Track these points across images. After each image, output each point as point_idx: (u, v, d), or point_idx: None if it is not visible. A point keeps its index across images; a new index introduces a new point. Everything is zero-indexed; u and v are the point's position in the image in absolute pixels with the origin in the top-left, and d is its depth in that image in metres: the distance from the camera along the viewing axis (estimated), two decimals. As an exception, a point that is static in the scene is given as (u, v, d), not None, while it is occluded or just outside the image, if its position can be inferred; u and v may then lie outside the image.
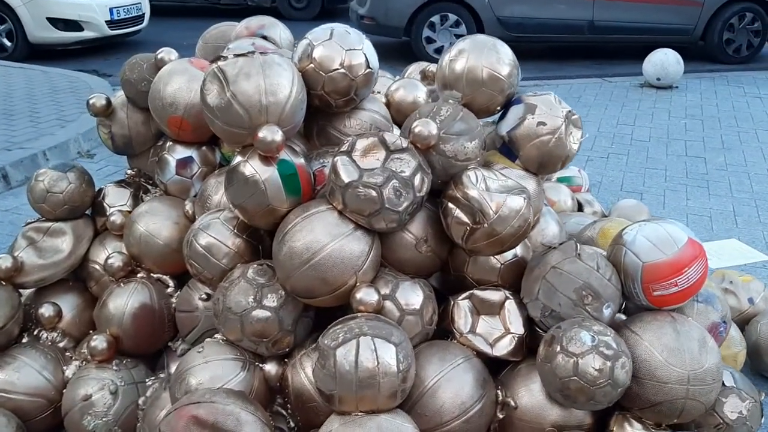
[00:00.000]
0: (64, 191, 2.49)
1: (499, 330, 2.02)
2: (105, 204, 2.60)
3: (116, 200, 2.61)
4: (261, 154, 1.95)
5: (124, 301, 2.32)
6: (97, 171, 4.87)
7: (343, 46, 2.08)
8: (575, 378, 1.74)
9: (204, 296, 2.27)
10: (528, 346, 2.02)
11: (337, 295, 1.91)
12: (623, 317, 2.07)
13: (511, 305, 2.03)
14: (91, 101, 2.57)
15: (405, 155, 1.89)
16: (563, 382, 1.76)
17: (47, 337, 2.44)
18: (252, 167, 1.94)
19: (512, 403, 1.93)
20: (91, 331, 2.52)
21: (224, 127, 1.96)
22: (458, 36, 8.38)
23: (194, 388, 1.92)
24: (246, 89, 1.90)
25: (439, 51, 8.17)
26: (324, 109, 2.19)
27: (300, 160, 2.01)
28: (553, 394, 1.84)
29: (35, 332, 2.46)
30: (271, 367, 2.03)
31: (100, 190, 2.65)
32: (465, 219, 1.93)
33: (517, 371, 1.99)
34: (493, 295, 2.04)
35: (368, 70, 2.12)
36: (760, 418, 2.05)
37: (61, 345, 2.45)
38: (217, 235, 2.11)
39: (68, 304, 2.52)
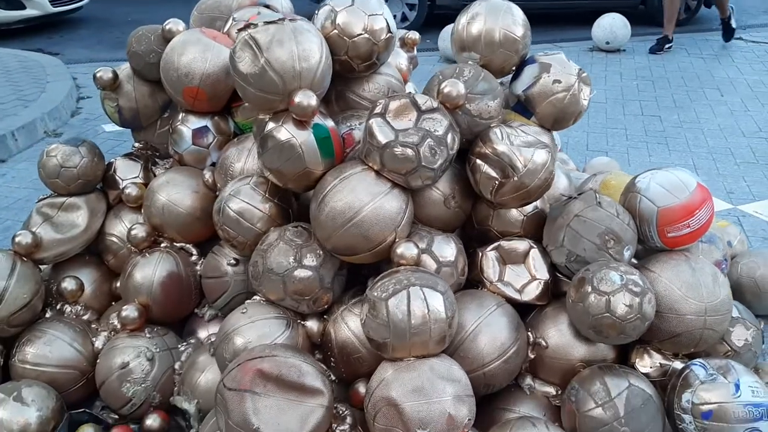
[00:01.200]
0: (78, 165, 2.49)
1: (526, 277, 2.15)
2: (117, 177, 2.61)
3: (127, 173, 2.62)
4: (296, 119, 2.01)
5: (152, 271, 2.35)
6: (67, 150, 4.77)
7: (365, 12, 2.15)
8: (607, 315, 1.89)
9: (233, 262, 2.32)
10: (552, 290, 2.16)
11: (377, 251, 2.00)
12: (634, 261, 2.22)
13: (535, 253, 2.16)
14: (98, 75, 2.57)
15: (436, 115, 1.98)
16: (596, 319, 1.90)
17: (71, 311, 2.46)
18: (288, 132, 2.00)
19: (543, 343, 2.07)
20: (113, 303, 2.57)
21: (257, 94, 2.00)
22: (410, 5, 8.47)
23: (243, 347, 1.98)
24: (279, 56, 1.95)
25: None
26: (344, 74, 2.26)
27: (331, 124, 2.08)
28: (584, 331, 1.98)
29: (58, 307, 2.47)
30: (312, 324, 2.11)
31: (110, 163, 2.65)
32: (494, 174, 2.05)
33: (544, 314, 2.13)
34: (519, 245, 2.17)
35: (389, 34, 2.20)
36: (762, 345, 2.25)
37: (84, 318, 2.47)
38: (248, 200, 2.17)
39: (87, 278, 2.55)
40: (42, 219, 2.49)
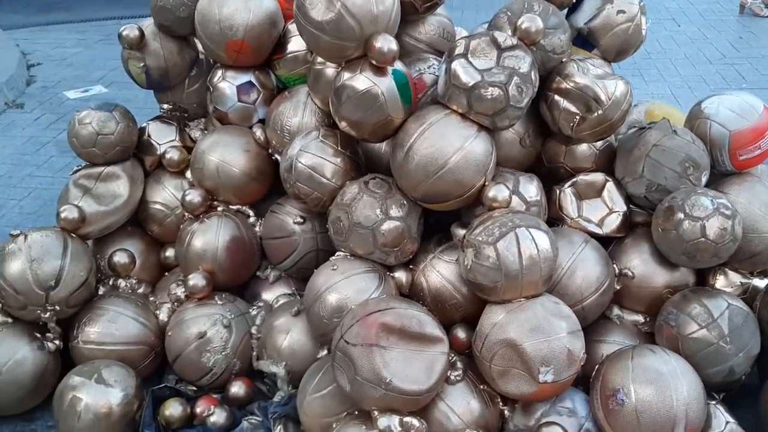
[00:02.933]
0: (116, 132, 2.35)
1: (603, 210, 2.17)
2: (152, 141, 2.48)
3: (162, 137, 2.50)
4: (375, 66, 1.93)
5: (215, 236, 2.26)
6: (35, 122, 4.49)
7: (428, -51, 2.07)
8: (702, 239, 1.93)
9: (299, 220, 2.26)
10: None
11: (467, 196, 1.97)
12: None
13: (610, 186, 2.18)
14: (123, 33, 2.40)
15: (517, 52, 1.94)
16: (691, 244, 1.94)
17: (126, 285, 2.35)
18: (368, 80, 1.92)
19: (630, 274, 2.11)
20: (166, 273, 2.46)
21: (332, 41, 1.91)
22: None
23: (340, 304, 1.93)
24: (357, 0, 1.86)
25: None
26: (404, 16, 2.18)
27: (406, 68, 2.02)
28: (676, 258, 2.02)
29: (111, 282, 2.35)
30: (400, 275, 2.08)
31: (143, 128, 2.50)
32: (575, 109, 2.04)
33: (625, 245, 2.16)
34: (595, 179, 2.18)
35: (452, -28, 2.13)
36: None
37: (140, 291, 2.36)
38: (321, 153, 2.09)
39: (132, 250, 2.43)
40: (81, 192, 2.35)
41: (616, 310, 2.14)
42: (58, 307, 2.12)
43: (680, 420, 1.73)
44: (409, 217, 2.02)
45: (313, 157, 2.09)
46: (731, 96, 2.18)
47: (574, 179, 2.18)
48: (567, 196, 2.17)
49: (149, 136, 2.48)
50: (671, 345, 1.96)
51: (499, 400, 1.94)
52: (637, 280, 2.11)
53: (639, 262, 2.11)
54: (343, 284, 1.97)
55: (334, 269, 2.01)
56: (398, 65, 1.97)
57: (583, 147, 2.21)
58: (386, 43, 1.89)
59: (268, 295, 2.38)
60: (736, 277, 2.14)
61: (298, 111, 2.26)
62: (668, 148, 2.07)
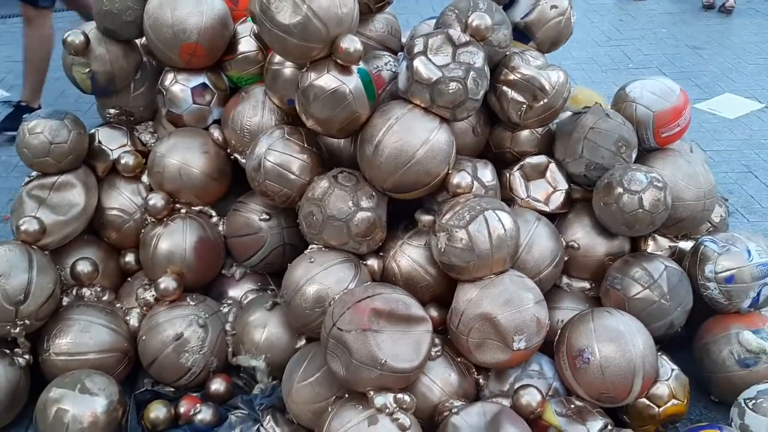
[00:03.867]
0: (69, 140, 2.32)
1: (548, 189, 2.38)
2: (104, 147, 2.46)
3: (114, 142, 2.49)
4: (341, 65, 2.02)
5: (182, 238, 2.29)
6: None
7: (380, -49, 2.18)
8: (640, 210, 2.16)
9: (265, 217, 2.32)
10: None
11: (433, 184, 2.10)
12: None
13: (553, 167, 2.38)
14: (68, 39, 2.35)
15: (471, 48, 2.08)
16: (631, 215, 2.17)
17: (91, 294, 2.33)
18: (336, 79, 2.01)
19: (576, 245, 2.33)
20: (128, 279, 2.46)
21: (299, 44, 1.98)
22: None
23: (321, 294, 2.03)
24: (323, 3, 1.94)
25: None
26: (355, 16, 2.28)
27: (367, 66, 2.12)
28: (617, 228, 2.25)
29: (75, 292, 2.32)
30: (372, 262, 2.19)
31: (92, 134, 2.48)
32: (522, 99, 2.22)
33: (568, 220, 2.37)
34: (539, 161, 2.38)
35: (400, -27, 2.25)
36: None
37: (104, 298, 2.36)
38: (287, 151, 2.16)
39: (93, 258, 2.41)
40: (37, 203, 2.31)
41: (565, 279, 2.36)
42: (27, 321, 2.09)
43: (639, 370, 1.96)
44: (379, 207, 2.14)
45: (281, 155, 2.16)
46: (651, 80, 2.43)
47: (521, 163, 2.37)
48: (516, 178, 2.36)
49: (100, 142, 2.45)
50: (618, 306, 2.18)
51: (474, 370, 2.11)
52: (581, 251, 2.33)
53: (582, 235, 2.34)
54: (322, 275, 2.06)
55: (311, 262, 2.10)
56: (361, 63, 2.07)
57: (526, 133, 2.40)
58: (352, 43, 1.99)
59: (235, 292, 2.43)
60: (664, 242, 2.40)
61: (257, 111, 2.32)
62: (603, 130, 2.30)
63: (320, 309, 2.03)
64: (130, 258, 2.47)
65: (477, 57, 2.07)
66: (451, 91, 2.02)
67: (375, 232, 2.14)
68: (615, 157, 2.29)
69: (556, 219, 2.39)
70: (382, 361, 1.81)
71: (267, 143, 2.18)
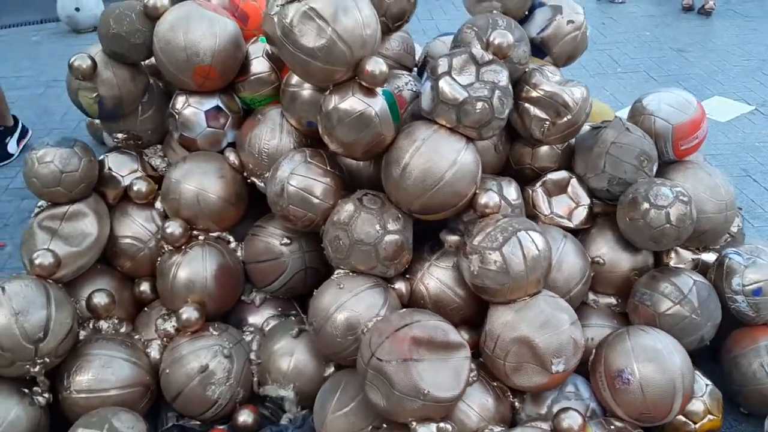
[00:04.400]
0: (80, 168, 2.25)
1: (570, 205, 2.36)
2: (114, 174, 2.38)
3: (124, 168, 2.41)
4: (366, 87, 1.98)
5: (202, 266, 2.23)
6: None
7: (399, -30, 2.15)
8: (668, 225, 2.15)
9: (286, 241, 2.27)
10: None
11: (460, 205, 2.07)
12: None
13: (574, 182, 2.36)
14: (75, 64, 2.28)
15: (493, 66, 2.06)
16: (658, 231, 2.16)
17: (109, 326, 2.25)
18: (362, 102, 1.97)
19: (601, 261, 2.31)
20: (145, 308, 2.39)
21: (323, 67, 1.94)
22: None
23: (353, 322, 1.99)
24: (347, 25, 1.90)
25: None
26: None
27: (390, 87, 2.08)
28: (643, 243, 2.24)
29: (92, 325, 2.25)
30: (400, 286, 2.15)
31: (101, 161, 2.40)
32: (545, 115, 2.20)
33: (591, 235, 2.36)
34: (561, 177, 2.36)
35: (418, -10, 2.22)
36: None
37: (122, 331, 2.28)
38: (310, 174, 2.12)
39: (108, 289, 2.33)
40: (49, 234, 2.22)
41: (591, 296, 2.34)
42: (47, 359, 2.01)
43: (678, 389, 1.95)
44: (405, 229, 2.10)
45: (304, 179, 2.11)
46: (667, 93, 2.43)
47: (543, 179, 2.35)
48: (539, 194, 2.34)
49: (110, 168, 2.38)
50: (649, 322, 2.17)
51: (509, 393, 2.08)
52: (607, 266, 2.32)
53: (606, 250, 2.32)
54: (353, 302, 2.02)
55: (340, 288, 2.05)
56: (385, 85, 2.04)
57: (546, 148, 2.39)
58: (377, 65, 1.95)
59: (256, 319, 2.37)
60: (687, 254, 2.40)
61: (275, 133, 2.27)
62: (625, 144, 2.28)
63: (352, 336, 1.99)
64: (145, 287, 2.40)
65: (501, 75, 2.04)
66: (477, 110, 1.99)
67: (402, 254, 2.10)
68: (637, 171, 2.28)
69: (579, 234, 2.37)
70: (425, 392, 1.78)
71: (289, 167, 2.12)
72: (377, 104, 1.99)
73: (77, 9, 6.04)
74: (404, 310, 1.99)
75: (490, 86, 2.01)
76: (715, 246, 2.48)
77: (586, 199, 2.36)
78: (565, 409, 1.96)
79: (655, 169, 2.33)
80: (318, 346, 2.10)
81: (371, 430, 1.94)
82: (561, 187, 2.36)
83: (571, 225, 2.33)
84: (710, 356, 2.34)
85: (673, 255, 2.40)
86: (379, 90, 2.01)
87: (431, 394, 1.78)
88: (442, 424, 1.82)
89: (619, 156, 2.27)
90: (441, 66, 2.03)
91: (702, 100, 2.49)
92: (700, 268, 2.38)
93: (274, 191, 2.14)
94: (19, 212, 3.50)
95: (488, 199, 2.07)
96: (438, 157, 2.00)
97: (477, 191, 2.08)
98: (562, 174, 2.36)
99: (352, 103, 1.98)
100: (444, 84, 2.00)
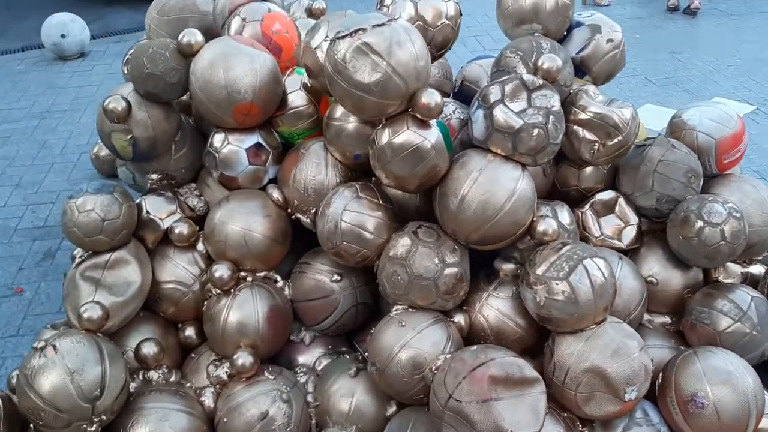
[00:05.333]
0: (121, 215, 2.17)
1: (619, 225, 2.34)
2: (152, 218, 2.31)
3: (162, 210, 2.33)
4: (420, 120, 1.94)
5: (253, 309, 2.16)
6: None
7: (443, -1, 2.11)
8: (723, 243, 2.14)
9: (337, 278, 2.22)
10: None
11: (519, 234, 2.04)
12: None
13: (621, 202, 2.34)
14: (110, 107, 2.20)
15: (544, 91, 2.03)
16: (714, 248, 2.15)
17: (159, 377, 2.18)
18: (418, 134, 1.93)
19: (654, 281, 2.29)
20: (193, 354, 2.32)
21: (378, 101, 1.90)
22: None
23: (420, 360, 1.94)
24: (402, 58, 1.86)
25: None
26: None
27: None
28: (698, 261, 2.22)
29: (142, 376, 2.17)
30: (459, 318, 2.11)
31: (139, 204, 2.32)
32: (594, 137, 2.18)
33: (641, 255, 2.34)
34: (608, 197, 2.34)
35: (460, 17, 2.18)
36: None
37: (172, 380, 2.21)
38: (362, 209, 2.07)
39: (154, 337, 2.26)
40: (92, 285, 2.14)
41: (646, 316, 2.32)
42: (104, 417, 1.94)
43: (753, 410, 1.93)
44: (463, 261, 2.06)
45: (358, 214, 2.06)
46: (708, 107, 2.43)
47: (592, 200, 2.33)
48: (588, 216, 2.31)
49: (148, 212, 2.31)
50: (709, 341, 2.16)
51: (578, 423, 2.05)
52: (660, 285, 2.30)
53: (659, 269, 2.31)
54: (417, 339, 1.98)
55: (402, 326, 2.01)
56: (439, 116, 2.00)
57: (591, 169, 2.37)
58: (433, 98, 1.91)
59: (306, 358, 2.32)
60: (735, 268, 2.39)
61: (320, 168, 2.22)
62: (672, 161, 2.27)
63: (419, 375, 1.95)
64: (190, 332, 2.33)
65: (553, 100, 2.02)
66: (534, 138, 1.96)
67: (461, 287, 2.06)
68: (686, 188, 2.27)
69: (629, 255, 2.35)
70: (508, 431, 1.74)
71: (342, 203, 2.08)
72: (433, 136, 1.95)
73: (63, 36, 5.91)
74: (475, 347, 1.95)
75: (544, 112, 1.98)
76: (758, 258, 2.48)
77: (634, 219, 2.34)
78: (640, 437, 1.93)
79: (701, 184, 2.32)
80: (382, 386, 2.05)
81: (445, 470, 1.89)
82: (609, 208, 2.34)
83: (622, 245, 2.31)
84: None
85: (722, 270, 2.39)
86: (433, 122, 1.97)
87: (513, 433, 1.74)
88: (523, 463, 1.79)
89: (667, 174, 2.26)
90: (493, 94, 2.00)
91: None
92: (749, 281, 2.38)
93: (327, 228, 2.08)
94: (33, 255, 3.39)
95: (547, 226, 2.04)
96: (497, 186, 1.96)
97: (535, 219, 2.05)
98: (610, 194, 2.34)
99: (408, 136, 1.94)
100: (498, 112, 1.97)
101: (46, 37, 5.97)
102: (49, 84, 5.55)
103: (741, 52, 5.76)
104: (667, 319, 2.33)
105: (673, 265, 2.31)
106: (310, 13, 2.98)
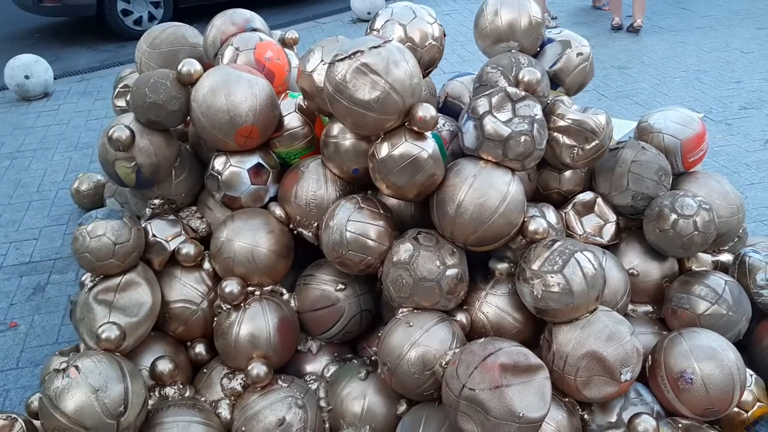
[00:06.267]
0: (131, 238, 2.25)
1: (599, 223, 2.51)
2: (158, 240, 2.39)
3: (167, 233, 2.41)
4: (417, 132, 2.09)
5: (264, 321, 2.26)
6: None
7: (428, 21, 2.28)
8: (696, 233, 2.33)
9: (341, 286, 2.33)
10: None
11: (512, 234, 2.19)
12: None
13: (600, 201, 2.52)
14: (114, 136, 2.29)
15: (527, 101, 2.20)
16: (688, 239, 2.33)
17: (175, 392, 2.25)
18: (415, 146, 2.08)
19: (635, 272, 2.47)
20: (204, 369, 2.39)
21: (378, 117, 2.04)
22: (155, 3, 8.02)
23: (429, 357, 2.06)
24: (399, 76, 2.01)
25: (138, 22, 7.79)
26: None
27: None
28: (674, 252, 2.41)
29: (158, 392, 2.24)
30: (461, 317, 2.25)
31: (144, 228, 2.40)
32: (573, 142, 2.35)
33: (621, 250, 2.52)
34: (588, 197, 2.51)
35: (445, 37, 2.34)
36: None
37: (187, 394, 2.28)
38: (365, 219, 2.20)
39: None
40: (106, 308, 2.21)
41: (630, 306, 2.49)
42: (128, 432, 2.01)
43: (737, 382, 2.10)
44: (462, 262, 2.21)
45: (361, 224, 2.19)
46: (671, 111, 2.64)
47: (573, 201, 2.50)
48: (571, 216, 2.48)
49: (154, 235, 2.39)
50: (689, 324, 2.34)
51: (578, 407, 2.19)
52: (640, 277, 2.48)
53: (638, 261, 2.49)
54: (425, 338, 2.10)
55: (410, 326, 2.13)
56: (433, 128, 2.15)
57: (571, 172, 2.54)
58: (428, 111, 2.06)
59: (314, 366, 2.41)
60: (706, 257, 2.59)
61: (320, 184, 2.34)
62: (644, 162, 2.46)
63: (429, 372, 2.07)
64: (200, 349, 2.40)
65: (536, 109, 2.19)
66: (521, 144, 2.12)
67: (462, 287, 2.20)
68: (658, 185, 2.46)
69: (610, 249, 2.52)
70: (520, 414, 1.87)
71: (345, 214, 2.20)
72: (429, 147, 2.10)
73: (27, 77, 5.92)
74: (482, 339, 2.08)
75: (529, 120, 2.14)
76: (725, 247, 2.69)
77: (612, 216, 2.52)
78: (637, 414, 2.08)
79: (670, 181, 2.52)
80: (394, 385, 2.16)
81: (460, 459, 2.01)
82: (589, 207, 2.52)
83: (603, 241, 2.48)
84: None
85: (694, 260, 2.58)
86: (428, 133, 2.12)
87: (525, 416, 1.87)
88: (534, 445, 1.92)
89: (640, 173, 2.45)
90: (481, 106, 2.16)
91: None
92: (720, 268, 2.57)
93: (333, 239, 2.20)
94: (22, 290, 3.41)
95: (537, 225, 2.20)
96: (491, 191, 2.11)
97: (525, 219, 2.21)
98: (589, 195, 2.52)
99: (407, 148, 2.08)
100: (488, 122, 2.12)
101: (9, 79, 5.97)
102: (15, 125, 5.54)
103: (684, 64, 6.10)
104: (649, 308, 2.50)
105: (650, 258, 2.49)
106: (284, 43, 3.13)
